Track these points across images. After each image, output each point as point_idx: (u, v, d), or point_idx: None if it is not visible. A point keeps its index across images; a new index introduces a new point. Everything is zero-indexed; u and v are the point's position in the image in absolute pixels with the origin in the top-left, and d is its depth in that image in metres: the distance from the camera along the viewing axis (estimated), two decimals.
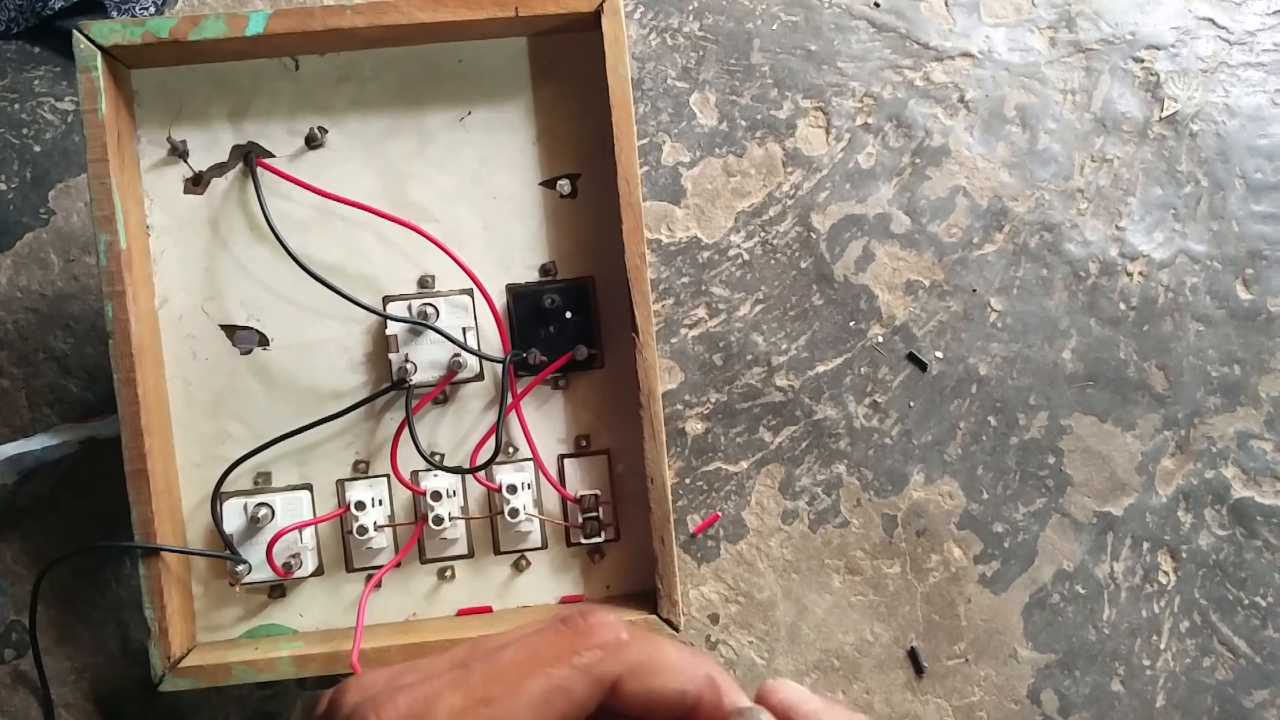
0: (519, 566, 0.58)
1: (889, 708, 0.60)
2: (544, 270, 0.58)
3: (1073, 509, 0.61)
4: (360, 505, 0.56)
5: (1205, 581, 0.61)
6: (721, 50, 0.63)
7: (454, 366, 0.56)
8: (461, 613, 0.58)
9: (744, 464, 0.61)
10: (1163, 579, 0.61)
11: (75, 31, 0.52)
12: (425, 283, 0.57)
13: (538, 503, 0.57)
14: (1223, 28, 0.64)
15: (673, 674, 0.28)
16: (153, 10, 0.65)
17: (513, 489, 0.56)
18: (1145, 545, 0.61)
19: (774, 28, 0.64)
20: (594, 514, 0.56)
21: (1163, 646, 0.60)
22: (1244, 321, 0.62)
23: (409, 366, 0.55)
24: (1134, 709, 0.60)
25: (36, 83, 0.63)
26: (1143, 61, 0.64)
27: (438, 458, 0.57)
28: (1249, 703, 0.60)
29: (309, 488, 0.57)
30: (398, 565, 0.57)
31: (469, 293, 0.57)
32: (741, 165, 0.63)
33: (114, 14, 0.64)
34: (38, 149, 0.62)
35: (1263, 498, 0.61)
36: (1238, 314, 0.62)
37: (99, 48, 0.53)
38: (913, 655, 0.60)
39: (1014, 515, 0.61)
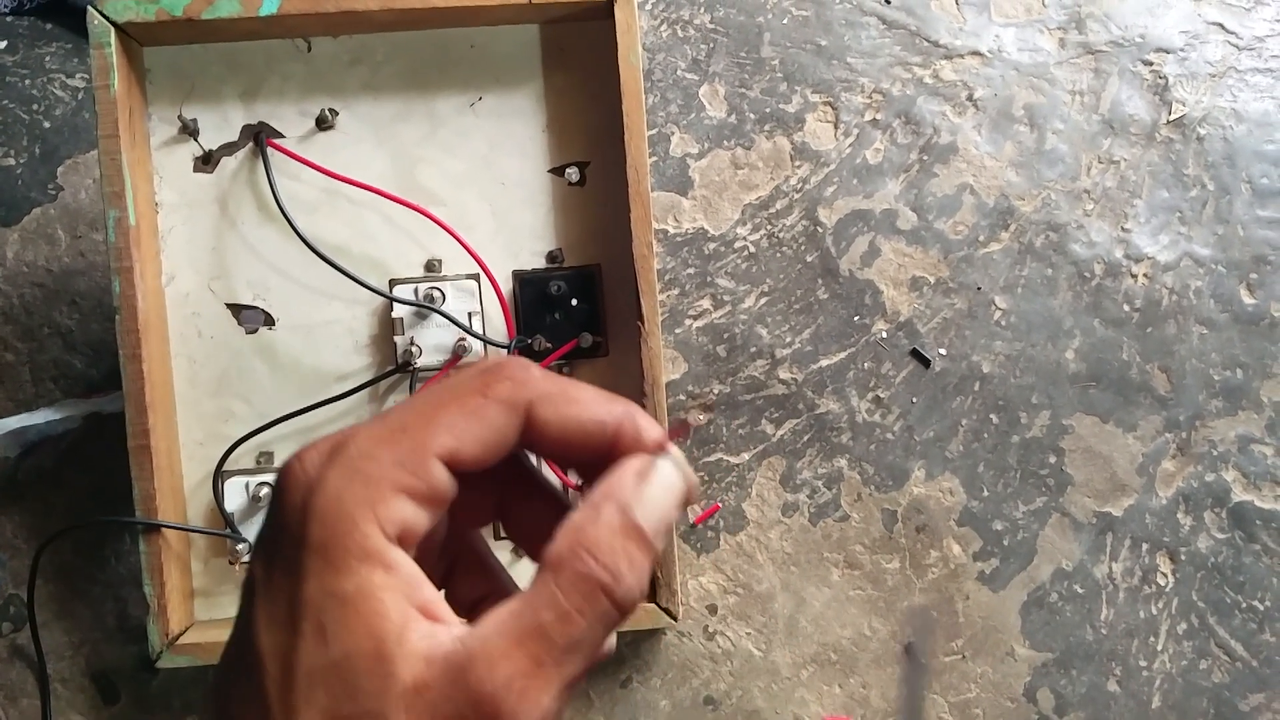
0: (519, 553, 0.58)
1: (885, 703, 0.60)
2: (551, 257, 0.58)
3: (1073, 509, 0.61)
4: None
5: (1203, 584, 0.61)
6: (732, 43, 0.64)
7: (459, 351, 0.56)
8: None
9: (745, 456, 0.61)
10: (1161, 581, 0.61)
11: (89, 7, 0.52)
12: (432, 266, 0.57)
13: None
14: (1232, 33, 0.64)
15: (587, 405, 0.28)
16: None
17: None
18: (1144, 546, 0.61)
19: (784, 22, 0.64)
20: None
21: (1160, 648, 0.61)
22: (1247, 326, 0.62)
23: (414, 350, 0.55)
24: (1130, 710, 0.60)
25: (48, 59, 0.63)
26: (1151, 64, 0.64)
27: None
28: (1245, 706, 0.60)
29: None
30: None
31: (475, 278, 0.57)
32: (749, 158, 0.63)
33: None
34: (47, 125, 0.62)
35: (1262, 502, 0.61)
36: (1241, 318, 0.62)
37: (112, 24, 0.53)
38: (909, 651, 0.60)
39: (1014, 513, 0.61)
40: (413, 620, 0.25)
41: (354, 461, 0.26)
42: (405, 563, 0.26)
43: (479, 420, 0.27)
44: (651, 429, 0.29)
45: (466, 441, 0.27)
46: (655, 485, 0.27)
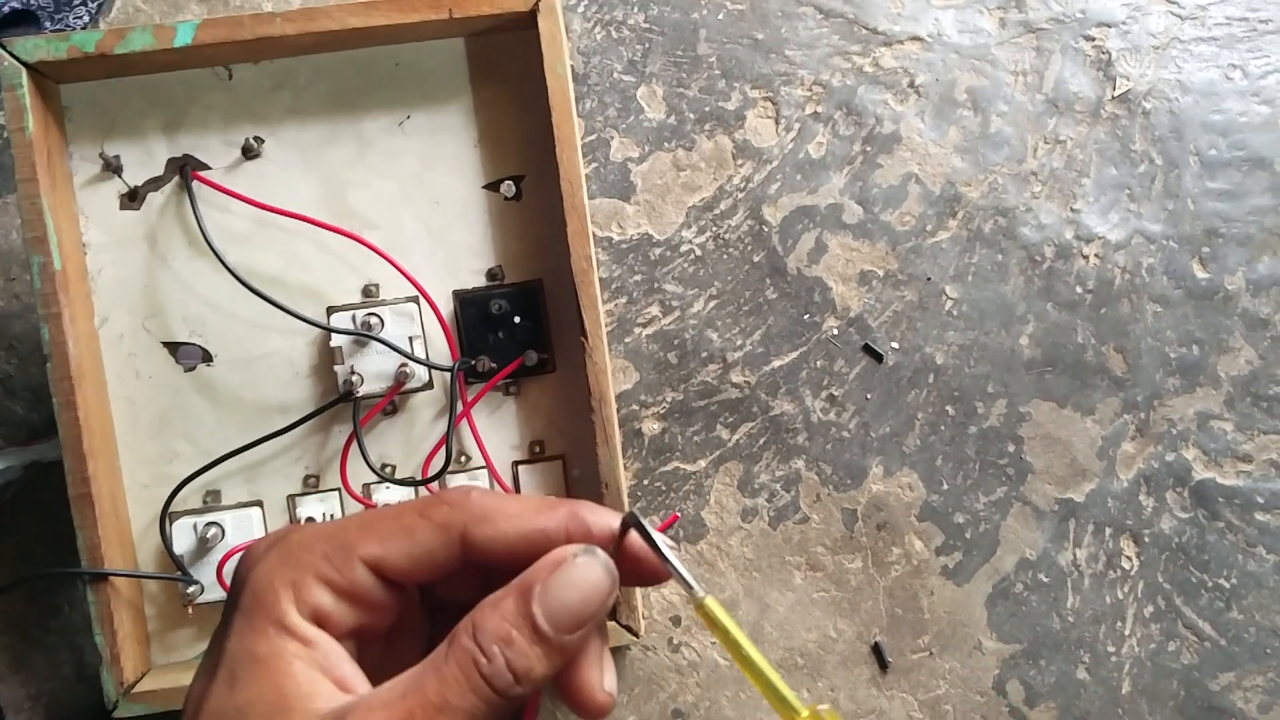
0: None
1: (854, 704, 0.59)
2: (491, 275, 0.57)
3: (1034, 497, 0.61)
4: (312, 520, 0.56)
5: (1168, 565, 0.61)
6: (668, 41, 0.62)
7: (401, 377, 0.55)
8: None
9: (702, 463, 0.61)
10: (1125, 564, 0.61)
11: None
12: (369, 292, 0.56)
13: None
14: (1174, 3, 0.63)
15: (526, 518, 0.30)
16: (86, 20, 0.63)
17: None
18: (1107, 531, 0.61)
19: (720, 17, 0.62)
20: None
21: (1127, 632, 0.60)
22: (1201, 301, 0.62)
23: (355, 379, 0.54)
24: (1100, 696, 0.60)
25: None
26: (1094, 40, 0.63)
27: (389, 469, 0.57)
28: (1215, 686, 0.60)
29: (259, 504, 0.56)
30: None
31: (415, 300, 0.56)
32: (691, 159, 0.62)
33: (47, 25, 0.63)
34: None
35: (1224, 479, 0.61)
36: (1195, 293, 0.62)
37: (24, 64, 0.52)
38: (876, 650, 0.60)
39: (975, 505, 0.61)
40: (323, 686, 0.28)
41: (291, 549, 0.29)
42: (324, 639, 0.29)
43: (408, 536, 0.29)
44: (598, 524, 0.30)
45: (392, 553, 0.29)
46: (563, 578, 0.29)
